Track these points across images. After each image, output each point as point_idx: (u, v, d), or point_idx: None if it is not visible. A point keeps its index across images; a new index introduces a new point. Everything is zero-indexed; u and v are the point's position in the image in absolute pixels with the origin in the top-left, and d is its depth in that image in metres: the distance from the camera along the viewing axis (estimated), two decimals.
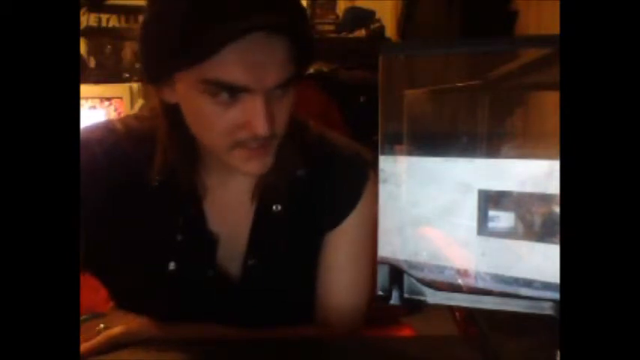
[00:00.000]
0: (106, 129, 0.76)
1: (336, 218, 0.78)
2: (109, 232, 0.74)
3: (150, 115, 0.76)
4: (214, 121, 0.65)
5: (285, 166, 0.74)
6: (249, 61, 0.62)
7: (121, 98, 2.21)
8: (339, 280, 0.79)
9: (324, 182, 0.78)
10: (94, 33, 2.40)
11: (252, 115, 0.64)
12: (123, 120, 0.78)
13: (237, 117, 0.64)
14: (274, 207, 0.76)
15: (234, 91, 0.63)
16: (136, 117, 0.79)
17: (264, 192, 0.76)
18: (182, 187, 0.73)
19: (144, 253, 0.75)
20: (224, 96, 0.63)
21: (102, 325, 0.70)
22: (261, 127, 0.64)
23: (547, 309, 0.43)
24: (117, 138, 0.75)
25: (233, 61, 0.61)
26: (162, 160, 0.72)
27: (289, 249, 0.78)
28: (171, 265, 0.74)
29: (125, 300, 0.78)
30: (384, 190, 0.48)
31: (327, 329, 0.78)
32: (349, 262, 0.79)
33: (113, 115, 1.94)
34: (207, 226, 0.75)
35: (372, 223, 0.58)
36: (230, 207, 0.76)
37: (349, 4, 2.81)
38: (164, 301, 0.75)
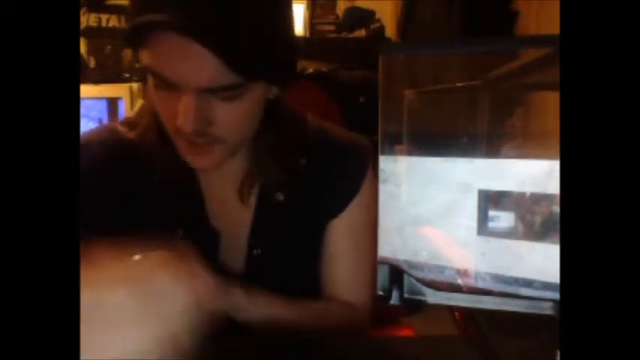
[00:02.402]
0: (109, 129, 0.79)
1: (340, 204, 0.79)
2: (112, 228, 0.74)
3: (144, 114, 0.77)
4: (159, 105, 0.68)
5: (286, 156, 0.75)
6: (170, 57, 0.62)
7: (121, 98, 2.21)
8: (345, 265, 0.81)
9: (326, 170, 0.79)
10: (94, 33, 2.40)
11: (180, 110, 0.64)
12: (124, 120, 0.80)
13: (172, 106, 0.65)
14: (277, 196, 0.77)
15: (166, 83, 0.64)
16: (138, 115, 0.80)
17: (265, 182, 0.77)
18: (182, 182, 0.75)
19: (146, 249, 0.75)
20: (160, 81, 0.64)
21: None
22: (183, 124, 0.64)
23: (547, 309, 0.43)
24: (119, 136, 0.77)
25: (159, 54, 0.62)
26: (160, 156, 0.73)
27: (294, 237, 0.79)
28: None
29: None
30: (384, 190, 0.48)
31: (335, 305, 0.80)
32: (353, 247, 0.81)
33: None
34: (209, 219, 0.77)
35: (374, 208, 0.59)
36: (231, 199, 0.77)
37: (349, 4, 2.81)
38: None
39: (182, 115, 0.64)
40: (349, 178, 0.79)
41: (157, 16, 0.59)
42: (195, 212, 0.76)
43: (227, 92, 0.64)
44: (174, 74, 0.62)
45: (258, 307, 0.68)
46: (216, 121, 0.66)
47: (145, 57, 0.63)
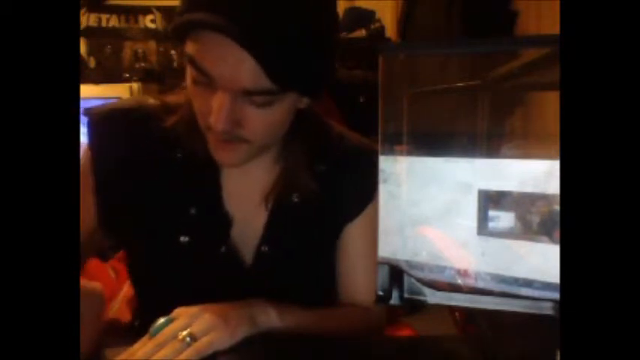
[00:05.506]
0: (137, 102, 0.81)
1: (357, 209, 0.81)
2: (129, 197, 0.78)
3: (180, 96, 0.79)
4: (194, 99, 0.69)
5: (307, 160, 0.78)
6: (213, 54, 0.64)
7: (120, 98, 2.21)
8: (361, 267, 0.82)
9: (344, 176, 0.81)
10: (94, 33, 2.41)
11: (214, 107, 0.66)
12: (160, 97, 0.82)
13: (206, 102, 0.67)
14: (293, 197, 0.78)
15: (205, 77, 0.65)
16: (177, 101, 0.81)
17: (285, 182, 0.78)
18: (204, 167, 0.77)
19: (159, 223, 0.78)
20: (200, 76, 0.65)
21: (184, 333, 0.62)
22: (215, 121, 0.66)
23: (547, 309, 0.43)
24: (147, 110, 0.79)
25: (202, 49, 0.64)
26: (190, 143, 0.75)
27: (306, 239, 0.80)
28: (184, 238, 0.76)
29: (139, 269, 0.83)
30: (384, 190, 0.48)
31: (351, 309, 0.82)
32: (368, 251, 0.81)
33: None
34: (223, 204, 0.78)
35: None
36: (249, 192, 0.79)
37: (349, 4, 2.81)
38: (176, 274, 0.78)
39: (215, 112, 0.66)
40: (366, 184, 0.80)
41: (205, 16, 0.61)
42: (211, 195, 0.78)
43: (261, 97, 0.66)
44: (214, 71, 0.64)
45: (287, 323, 0.70)
46: (246, 124, 0.68)
47: (190, 48, 0.65)
